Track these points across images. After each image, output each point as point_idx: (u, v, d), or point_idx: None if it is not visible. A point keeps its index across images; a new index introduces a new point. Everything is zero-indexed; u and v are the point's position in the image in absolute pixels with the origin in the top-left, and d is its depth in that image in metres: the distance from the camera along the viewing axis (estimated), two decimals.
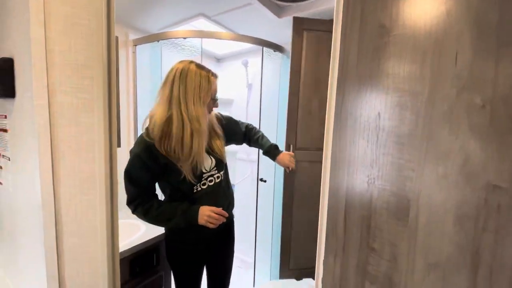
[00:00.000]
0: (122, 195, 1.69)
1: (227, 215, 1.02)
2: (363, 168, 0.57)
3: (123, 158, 1.69)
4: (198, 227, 0.99)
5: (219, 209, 1.00)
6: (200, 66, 0.98)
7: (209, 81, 0.97)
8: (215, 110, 1.16)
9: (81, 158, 0.57)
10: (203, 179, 1.03)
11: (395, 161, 0.52)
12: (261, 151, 1.40)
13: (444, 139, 0.46)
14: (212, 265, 1.22)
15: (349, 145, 0.59)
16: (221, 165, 1.10)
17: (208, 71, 0.99)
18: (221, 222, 1.00)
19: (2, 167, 0.75)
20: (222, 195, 1.10)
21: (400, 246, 0.52)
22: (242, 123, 1.33)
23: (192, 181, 0.97)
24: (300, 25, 1.37)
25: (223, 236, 1.19)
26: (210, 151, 1.07)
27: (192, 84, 0.93)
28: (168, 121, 0.91)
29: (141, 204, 0.95)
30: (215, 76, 1.01)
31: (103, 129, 0.57)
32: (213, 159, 1.07)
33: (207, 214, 0.98)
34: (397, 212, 0.52)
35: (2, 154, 0.74)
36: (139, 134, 1.79)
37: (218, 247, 1.19)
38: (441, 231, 0.47)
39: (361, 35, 0.57)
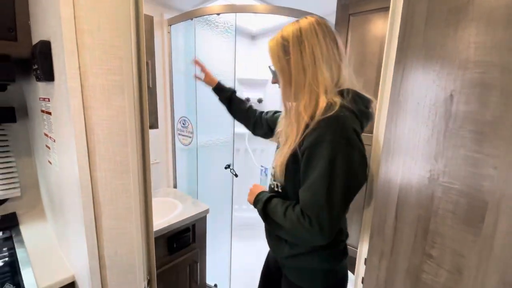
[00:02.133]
0: (157, 178, 1.75)
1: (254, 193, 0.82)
2: (424, 162, 0.47)
3: (161, 139, 1.76)
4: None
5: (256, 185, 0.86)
6: None
7: None
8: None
9: (113, 142, 0.57)
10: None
11: (469, 155, 0.42)
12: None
13: None
14: None
15: (408, 133, 0.49)
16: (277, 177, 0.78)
17: None
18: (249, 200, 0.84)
19: (50, 147, 0.80)
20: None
21: (468, 256, 0.43)
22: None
23: None
24: (345, 11, 1.29)
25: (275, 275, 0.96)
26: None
27: None
28: None
29: None
30: None
31: (134, 113, 0.55)
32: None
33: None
34: (467, 217, 0.43)
35: (49, 135, 0.79)
36: (176, 115, 1.80)
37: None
38: None
39: None
